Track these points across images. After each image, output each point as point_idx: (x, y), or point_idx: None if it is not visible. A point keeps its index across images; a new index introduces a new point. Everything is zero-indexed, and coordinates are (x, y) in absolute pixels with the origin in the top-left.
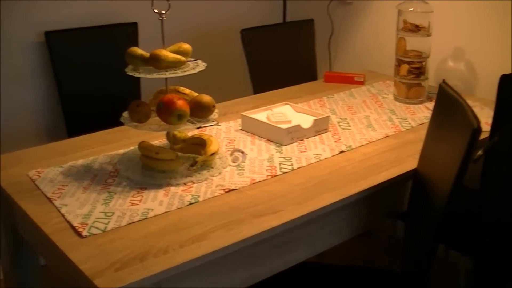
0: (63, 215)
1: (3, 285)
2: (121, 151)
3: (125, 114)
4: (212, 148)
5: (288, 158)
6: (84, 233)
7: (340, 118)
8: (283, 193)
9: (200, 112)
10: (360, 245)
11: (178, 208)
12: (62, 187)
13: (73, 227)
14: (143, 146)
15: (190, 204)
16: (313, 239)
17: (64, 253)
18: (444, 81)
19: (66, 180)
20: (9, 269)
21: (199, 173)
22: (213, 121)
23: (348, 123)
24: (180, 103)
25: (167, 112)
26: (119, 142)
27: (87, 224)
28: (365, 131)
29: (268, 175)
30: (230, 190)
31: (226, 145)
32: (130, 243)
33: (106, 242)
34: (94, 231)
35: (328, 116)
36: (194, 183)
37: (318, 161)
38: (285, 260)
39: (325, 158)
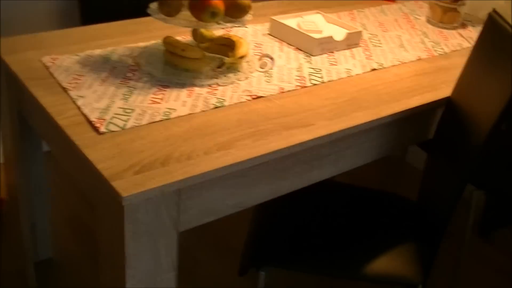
0: (79, 108)
1: (3, 170)
2: (142, 44)
3: (153, 5)
4: (241, 51)
5: (318, 70)
6: (102, 129)
7: (371, 34)
8: (313, 106)
9: (234, 12)
10: (371, 168)
11: (203, 111)
12: (78, 78)
13: (89, 122)
14: (168, 41)
15: (216, 107)
16: (339, 158)
17: (79, 149)
18: (494, 11)
19: (83, 70)
20: (10, 153)
21: (225, 76)
22: (245, 24)
23: (379, 40)
24: (216, 0)
25: (201, 8)
26: (139, 35)
27: (104, 119)
28: (397, 50)
29: (297, 85)
30: (257, 97)
31: (252, 49)
32: (151, 145)
33: (125, 141)
34: (112, 127)
35: (361, 31)
36: (219, 85)
37: (349, 76)
38: (309, 176)
39: (356, 74)
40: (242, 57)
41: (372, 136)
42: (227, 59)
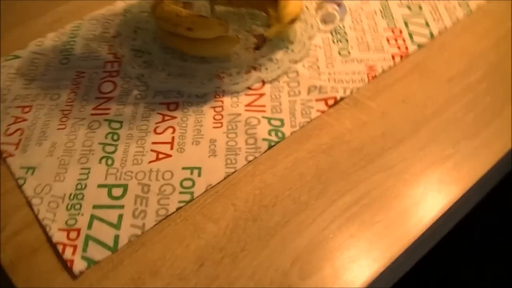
0: (30, 206)
1: None
2: (113, 7)
3: None
4: (290, 9)
5: (416, 13)
6: (77, 266)
7: None
8: (440, 101)
9: None
10: None
11: (249, 162)
12: (23, 114)
13: (52, 245)
14: (162, 15)
15: (270, 147)
16: None
17: None
18: None
19: (30, 87)
20: None
21: (269, 59)
22: None
23: None
24: None
25: None
26: None
27: (78, 237)
28: None
29: (394, 53)
30: (335, 102)
31: None
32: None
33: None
34: (96, 255)
35: None
36: (264, 83)
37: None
38: None
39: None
40: (294, 20)
41: None
42: (269, 30)
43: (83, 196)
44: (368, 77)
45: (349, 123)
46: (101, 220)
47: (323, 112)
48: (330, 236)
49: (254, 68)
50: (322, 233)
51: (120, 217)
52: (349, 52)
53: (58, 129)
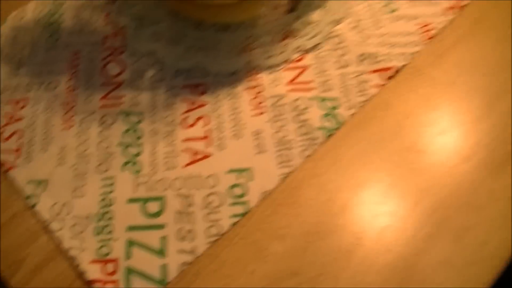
0: (49, 231)
1: None
2: None
3: None
4: None
5: None
6: None
7: None
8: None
9: None
10: None
11: (308, 157)
12: (16, 111)
13: (86, 281)
14: None
15: (328, 137)
16: None
17: None
18: None
19: (18, 79)
20: None
21: (305, 22)
22: None
23: None
24: None
25: None
26: None
27: (115, 266)
28: None
29: (448, 5)
30: (395, 73)
31: None
32: None
33: None
34: None
35: None
36: (304, 54)
37: None
38: None
39: None
40: None
41: None
42: None
43: (113, 215)
44: (424, 38)
45: (416, 99)
46: (141, 245)
47: (382, 86)
48: (421, 246)
49: (289, 35)
50: (410, 244)
51: (164, 240)
52: (394, 9)
53: (64, 128)
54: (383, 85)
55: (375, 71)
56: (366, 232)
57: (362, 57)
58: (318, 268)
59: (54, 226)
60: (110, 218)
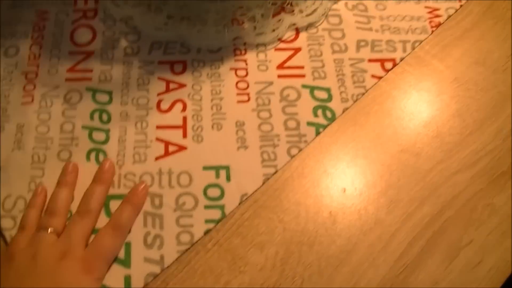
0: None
1: None
2: None
3: None
4: None
5: None
6: None
7: None
8: None
9: None
10: None
11: (293, 159)
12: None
13: None
14: None
15: (317, 134)
16: None
17: None
18: None
19: None
20: None
21: None
22: None
23: None
24: None
25: None
26: None
27: None
28: None
29: None
30: (394, 65)
31: None
32: None
33: None
34: None
35: None
36: (298, 32)
37: None
38: None
39: None
40: None
41: None
42: None
43: (71, 213)
44: (430, 25)
45: (416, 94)
46: None
47: (379, 78)
48: (409, 263)
49: (283, 9)
50: (399, 261)
51: (128, 247)
52: None
53: (24, 103)
54: (381, 77)
55: (374, 60)
56: (355, 244)
57: (362, 43)
58: (300, 282)
59: (5, 223)
60: (68, 218)
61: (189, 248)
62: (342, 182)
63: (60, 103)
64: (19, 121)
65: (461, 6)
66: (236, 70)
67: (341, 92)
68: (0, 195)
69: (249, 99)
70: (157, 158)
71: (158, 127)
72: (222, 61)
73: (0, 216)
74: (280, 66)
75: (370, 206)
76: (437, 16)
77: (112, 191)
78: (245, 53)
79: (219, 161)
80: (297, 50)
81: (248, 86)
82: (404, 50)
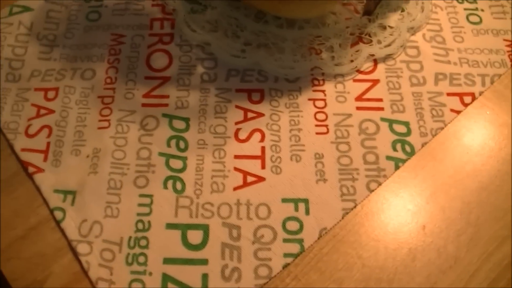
0: (75, 252)
1: None
2: None
3: None
4: None
5: None
6: None
7: None
8: None
9: None
10: None
11: (372, 194)
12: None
13: None
14: None
15: (396, 169)
16: None
17: None
18: None
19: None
20: None
21: (380, 26)
22: None
23: None
24: None
25: None
26: None
27: None
28: None
29: None
30: (473, 99)
31: None
32: None
33: None
34: None
35: None
36: (376, 64)
37: None
38: None
39: None
40: None
41: None
42: None
43: (148, 242)
44: (510, 58)
45: (496, 130)
46: (179, 284)
47: (458, 112)
48: None
49: (361, 39)
50: None
51: (205, 278)
52: (480, 19)
53: (100, 127)
54: (459, 111)
55: (453, 94)
56: (434, 283)
57: (440, 76)
58: None
59: (81, 249)
60: (145, 246)
61: (267, 283)
62: (422, 219)
63: (137, 129)
64: (96, 145)
65: None
66: (314, 100)
67: (420, 127)
68: (76, 220)
69: (328, 131)
70: (235, 189)
71: (236, 156)
72: (300, 91)
73: (76, 241)
74: (359, 98)
75: (450, 245)
76: None
77: (190, 220)
78: (323, 84)
79: (298, 193)
80: (376, 82)
81: (326, 118)
82: (483, 84)
